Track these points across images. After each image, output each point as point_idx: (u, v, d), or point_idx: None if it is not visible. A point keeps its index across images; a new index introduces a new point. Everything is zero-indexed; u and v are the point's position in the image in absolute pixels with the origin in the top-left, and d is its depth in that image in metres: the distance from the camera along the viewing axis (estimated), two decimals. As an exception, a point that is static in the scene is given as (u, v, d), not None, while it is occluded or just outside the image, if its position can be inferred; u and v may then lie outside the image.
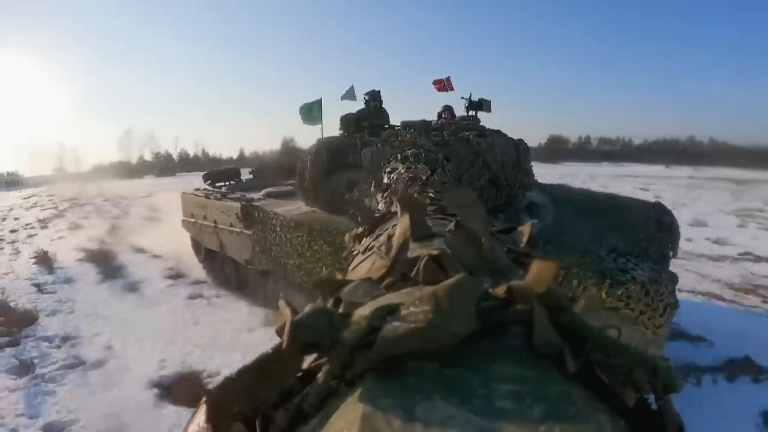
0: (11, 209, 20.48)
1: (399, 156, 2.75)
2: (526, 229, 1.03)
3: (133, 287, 7.83)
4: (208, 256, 7.70)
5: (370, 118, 6.25)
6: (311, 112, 6.97)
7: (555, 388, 0.40)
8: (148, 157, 61.22)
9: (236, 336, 5.53)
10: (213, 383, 0.46)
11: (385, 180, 2.35)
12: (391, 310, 0.47)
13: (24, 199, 25.20)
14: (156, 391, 4.46)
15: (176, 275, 8.39)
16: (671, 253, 4.99)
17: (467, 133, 4.74)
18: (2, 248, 11.78)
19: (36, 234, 13.69)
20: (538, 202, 5.43)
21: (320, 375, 0.44)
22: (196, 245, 8.21)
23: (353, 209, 4.51)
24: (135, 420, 3.96)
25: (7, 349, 5.42)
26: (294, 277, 4.93)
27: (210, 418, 0.45)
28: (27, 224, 15.57)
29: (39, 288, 7.94)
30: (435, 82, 6.85)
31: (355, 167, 4.98)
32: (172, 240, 9.25)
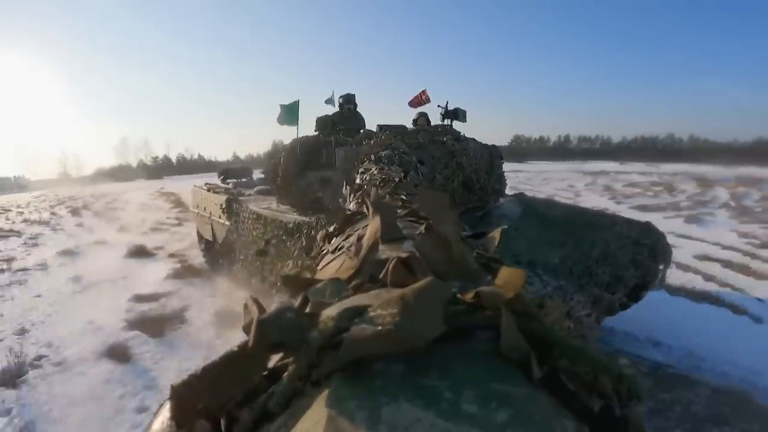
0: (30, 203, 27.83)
1: (372, 157, 2.74)
2: (496, 235, 1.04)
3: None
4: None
5: (345, 121, 6.25)
6: (289, 113, 6.94)
7: (521, 394, 0.41)
8: (148, 161, 68.40)
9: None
10: (177, 380, 0.45)
11: (358, 180, 2.34)
12: (359, 312, 0.47)
13: (34, 198, 32.25)
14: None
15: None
16: (651, 279, 4.59)
17: (442, 138, 4.78)
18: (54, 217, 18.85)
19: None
20: (506, 212, 5.24)
21: (286, 374, 0.44)
22: (198, 235, 8.55)
23: (325, 208, 4.51)
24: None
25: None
26: (253, 267, 4.97)
27: (174, 415, 0.44)
28: (51, 206, 23.90)
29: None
30: (411, 101, 6.85)
31: (328, 166, 4.98)
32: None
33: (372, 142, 3.90)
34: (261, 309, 0.49)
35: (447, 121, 6.15)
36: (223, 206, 6.30)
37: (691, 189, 20.16)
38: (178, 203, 19.10)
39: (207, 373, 0.45)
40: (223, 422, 0.44)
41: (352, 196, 2.11)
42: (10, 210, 22.55)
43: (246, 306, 0.52)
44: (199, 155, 70.85)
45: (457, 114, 6.16)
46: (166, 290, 6.96)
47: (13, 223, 17.18)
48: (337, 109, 6.64)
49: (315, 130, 6.28)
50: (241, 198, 6.54)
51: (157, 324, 5.57)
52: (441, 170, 4.55)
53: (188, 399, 0.44)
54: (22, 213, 20.90)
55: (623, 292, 4.35)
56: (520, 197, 5.66)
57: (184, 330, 5.47)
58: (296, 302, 0.56)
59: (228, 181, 9.25)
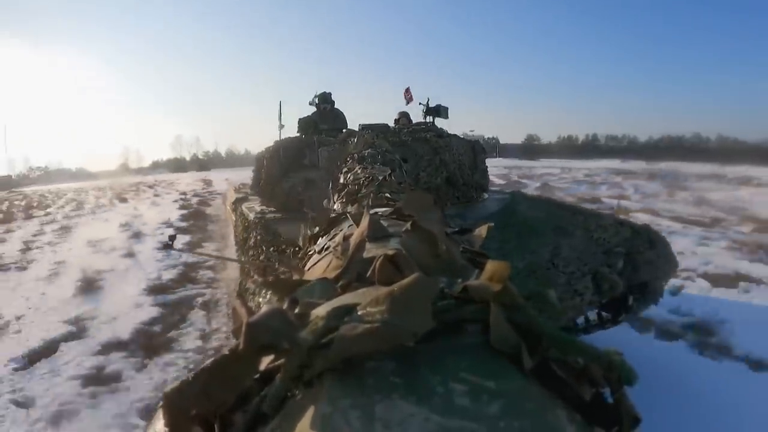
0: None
1: (356, 156, 2.74)
2: (482, 231, 1.05)
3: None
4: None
5: (325, 120, 6.23)
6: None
7: (512, 385, 0.41)
8: (200, 155, 77.40)
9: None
10: (170, 386, 0.45)
11: (342, 180, 2.34)
12: (348, 310, 0.47)
13: (113, 182, 37.60)
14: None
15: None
16: (632, 299, 4.03)
17: (425, 134, 4.78)
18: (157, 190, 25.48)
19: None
20: (482, 212, 4.78)
21: (278, 376, 0.44)
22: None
23: (309, 208, 4.49)
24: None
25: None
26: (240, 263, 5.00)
27: (168, 423, 0.44)
28: (136, 184, 31.14)
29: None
30: (406, 94, 6.85)
31: (312, 167, 4.96)
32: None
33: (355, 141, 3.90)
34: (250, 311, 0.48)
35: (429, 118, 6.16)
36: (233, 206, 6.34)
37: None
38: (209, 184, 26.92)
39: (198, 378, 0.45)
40: (217, 427, 0.44)
41: (336, 196, 2.11)
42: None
43: (235, 309, 0.51)
44: (246, 150, 76.49)
45: (439, 111, 6.16)
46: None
47: (138, 189, 26.62)
48: (314, 109, 6.61)
49: (297, 131, 6.26)
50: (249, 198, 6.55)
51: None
52: (425, 167, 4.55)
53: (181, 406, 0.44)
54: (132, 187, 29.16)
55: (574, 314, 3.85)
56: (515, 194, 5.28)
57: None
58: (285, 304, 0.56)
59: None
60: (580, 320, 4.12)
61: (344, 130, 5.84)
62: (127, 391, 3.71)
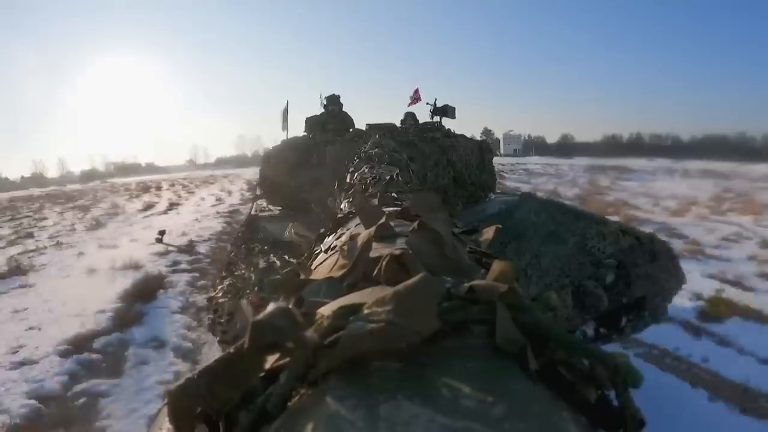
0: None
1: (363, 156, 2.74)
2: (490, 232, 1.04)
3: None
4: None
5: (333, 121, 6.24)
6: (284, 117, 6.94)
7: (518, 387, 0.41)
8: (261, 152, 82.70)
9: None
10: (174, 384, 0.45)
11: (348, 179, 2.34)
12: (354, 310, 0.47)
13: (189, 174, 48.37)
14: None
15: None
16: (626, 319, 3.80)
17: (432, 134, 4.78)
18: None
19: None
20: (484, 213, 4.71)
21: (283, 375, 0.44)
22: None
23: (316, 208, 4.49)
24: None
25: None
26: None
27: (172, 420, 0.44)
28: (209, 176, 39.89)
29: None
30: (414, 95, 6.88)
31: (319, 167, 4.97)
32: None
33: (362, 141, 3.90)
34: (256, 310, 0.48)
35: (436, 118, 6.15)
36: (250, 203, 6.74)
37: None
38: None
39: (203, 376, 0.45)
40: (221, 425, 0.44)
41: (343, 195, 2.11)
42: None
43: (241, 307, 0.51)
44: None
45: (446, 111, 6.16)
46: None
47: (214, 179, 35.02)
48: (322, 110, 6.63)
49: (304, 131, 6.28)
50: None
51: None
52: (432, 167, 4.55)
53: (186, 403, 0.44)
54: (210, 178, 38.14)
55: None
56: (524, 195, 5.26)
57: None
58: (291, 302, 0.56)
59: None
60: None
61: (351, 130, 5.85)
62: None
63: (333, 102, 6.47)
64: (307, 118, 6.30)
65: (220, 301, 2.25)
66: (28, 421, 3.98)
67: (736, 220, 12.56)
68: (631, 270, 3.78)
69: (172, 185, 32.43)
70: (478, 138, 6.39)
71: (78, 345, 5.33)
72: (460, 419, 0.36)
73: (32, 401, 4.25)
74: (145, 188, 30.94)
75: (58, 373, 4.74)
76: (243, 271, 2.45)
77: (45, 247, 11.90)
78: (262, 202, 5.81)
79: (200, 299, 6.24)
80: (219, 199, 22.02)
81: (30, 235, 14.32)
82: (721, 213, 14.03)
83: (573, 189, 20.61)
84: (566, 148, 59.45)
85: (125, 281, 7.59)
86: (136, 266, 8.65)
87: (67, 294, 7.40)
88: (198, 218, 15.39)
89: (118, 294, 6.94)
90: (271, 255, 2.46)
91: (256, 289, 2.13)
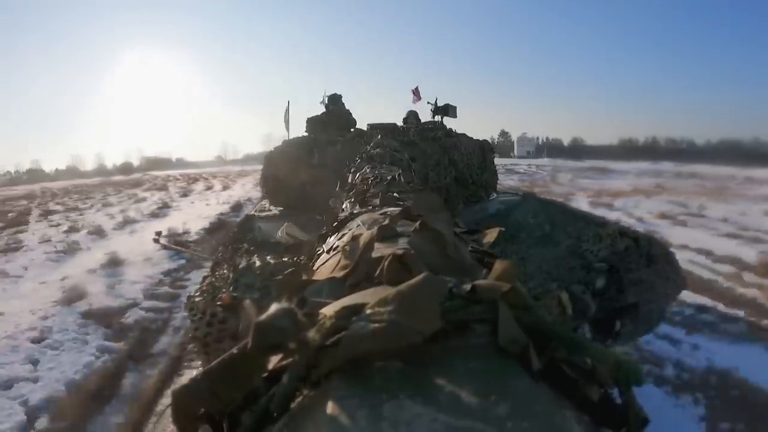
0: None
1: (365, 156, 2.74)
2: (493, 233, 1.04)
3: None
4: None
5: (335, 120, 6.23)
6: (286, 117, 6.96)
7: (520, 386, 0.41)
8: None
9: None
10: (178, 385, 0.45)
11: (350, 180, 2.34)
12: (356, 310, 0.47)
13: (221, 169, 48.35)
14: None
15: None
16: (620, 324, 3.60)
17: (433, 134, 4.77)
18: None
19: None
20: (479, 213, 4.66)
21: (286, 376, 0.44)
22: None
23: (316, 208, 4.49)
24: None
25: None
26: None
27: (175, 420, 0.44)
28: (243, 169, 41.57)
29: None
30: (414, 93, 6.95)
31: (320, 166, 4.96)
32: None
33: (363, 140, 3.89)
34: (259, 311, 0.48)
35: (437, 118, 6.14)
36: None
37: None
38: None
39: (206, 376, 0.45)
40: (225, 425, 0.44)
41: (345, 195, 2.11)
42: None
43: (244, 308, 0.52)
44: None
45: (447, 110, 6.14)
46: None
47: (245, 172, 35.01)
48: (324, 110, 6.62)
49: (306, 131, 6.27)
50: None
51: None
52: (433, 167, 4.53)
53: (189, 404, 0.44)
54: (242, 172, 37.96)
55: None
56: (527, 195, 5.21)
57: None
58: (294, 303, 0.56)
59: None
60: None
61: (352, 129, 5.84)
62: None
63: (334, 101, 6.47)
64: (308, 118, 6.29)
65: (197, 300, 2.24)
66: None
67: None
68: (624, 275, 3.64)
69: (214, 176, 35.74)
70: (496, 139, 6.35)
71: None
72: (462, 418, 0.36)
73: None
74: (192, 179, 34.38)
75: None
76: (225, 271, 2.44)
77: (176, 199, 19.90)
78: (266, 202, 5.80)
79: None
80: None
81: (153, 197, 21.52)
82: (619, 197, 16.02)
83: (525, 183, 21.99)
84: (577, 150, 59.64)
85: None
86: (237, 205, 15.91)
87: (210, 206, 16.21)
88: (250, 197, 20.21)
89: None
90: (255, 256, 2.44)
91: (231, 288, 2.13)
